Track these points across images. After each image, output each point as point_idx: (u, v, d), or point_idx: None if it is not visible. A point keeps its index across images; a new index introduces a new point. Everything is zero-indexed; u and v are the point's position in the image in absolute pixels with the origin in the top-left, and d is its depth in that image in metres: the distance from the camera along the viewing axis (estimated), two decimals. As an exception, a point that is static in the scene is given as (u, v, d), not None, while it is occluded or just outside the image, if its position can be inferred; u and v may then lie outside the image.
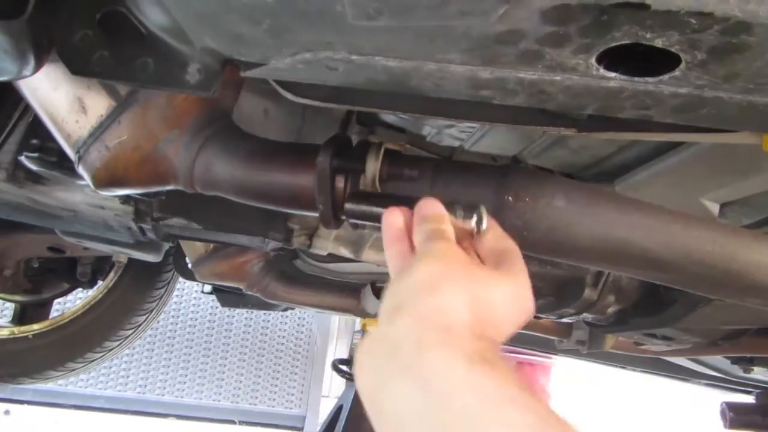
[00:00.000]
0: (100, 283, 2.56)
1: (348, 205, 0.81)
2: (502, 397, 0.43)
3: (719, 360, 2.08)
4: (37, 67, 0.70)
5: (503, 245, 0.65)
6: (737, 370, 2.06)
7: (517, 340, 2.56)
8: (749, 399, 2.49)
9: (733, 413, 2.26)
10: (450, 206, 0.66)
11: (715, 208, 1.07)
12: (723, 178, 1.00)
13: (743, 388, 2.55)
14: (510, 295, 0.56)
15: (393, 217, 0.68)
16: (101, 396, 4.40)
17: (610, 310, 1.55)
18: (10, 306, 2.72)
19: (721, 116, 0.64)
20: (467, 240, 0.66)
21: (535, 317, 1.79)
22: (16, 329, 2.41)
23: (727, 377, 2.32)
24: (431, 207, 0.66)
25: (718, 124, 0.67)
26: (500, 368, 0.46)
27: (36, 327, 2.42)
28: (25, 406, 4.19)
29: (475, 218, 0.66)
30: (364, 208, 0.79)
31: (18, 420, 4.06)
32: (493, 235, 0.66)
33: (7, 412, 4.07)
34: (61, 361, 2.44)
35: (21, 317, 2.62)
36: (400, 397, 0.46)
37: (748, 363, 1.96)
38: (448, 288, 0.53)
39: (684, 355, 1.94)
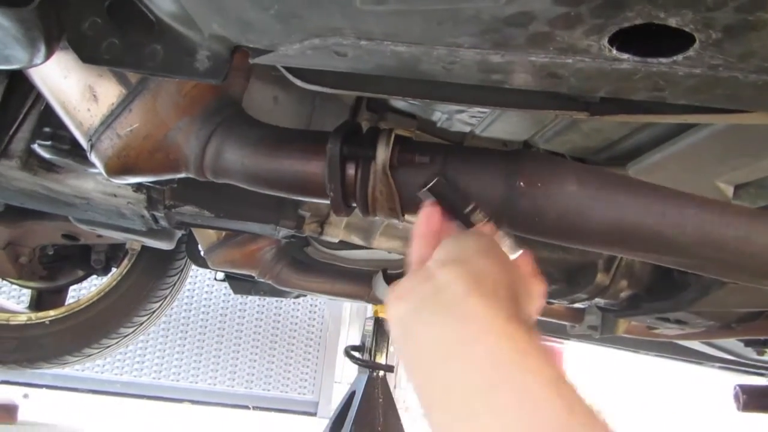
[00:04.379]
0: (114, 270, 2.59)
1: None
2: (530, 350, 0.47)
3: (733, 343, 2.07)
4: (48, 55, 0.71)
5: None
6: (750, 353, 2.06)
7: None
8: (763, 381, 2.48)
9: (747, 396, 2.25)
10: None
11: (729, 190, 1.05)
12: (737, 159, 0.98)
13: (757, 371, 2.54)
14: (538, 293, 0.66)
15: (432, 214, 0.76)
16: (117, 381, 4.47)
17: (623, 294, 1.55)
18: (27, 292, 2.76)
19: (736, 96, 0.63)
20: None
21: (548, 302, 1.79)
22: (33, 315, 2.45)
23: (740, 360, 2.31)
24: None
25: (732, 104, 0.66)
26: (532, 333, 0.50)
27: (53, 313, 2.45)
28: (44, 390, 4.27)
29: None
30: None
31: (36, 403, 4.14)
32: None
33: (26, 396, 4.15)
34: (78, 346, 2.48)
35: (38, 303, 2.67)
36: (436, 328, 0.51)
37: (762, 345, 1.95)
38: (497, 261, 0.61)
39: (697, 338, 1.94)
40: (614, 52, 0.56)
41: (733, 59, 0.54)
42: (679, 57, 0.55)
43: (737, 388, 2.28)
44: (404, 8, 0.54)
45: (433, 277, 0.57)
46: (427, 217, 0.75)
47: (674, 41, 0.53)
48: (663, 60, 0.56)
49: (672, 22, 0.49)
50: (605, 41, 0.54)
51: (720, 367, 2.62)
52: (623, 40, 0.54)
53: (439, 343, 0.50)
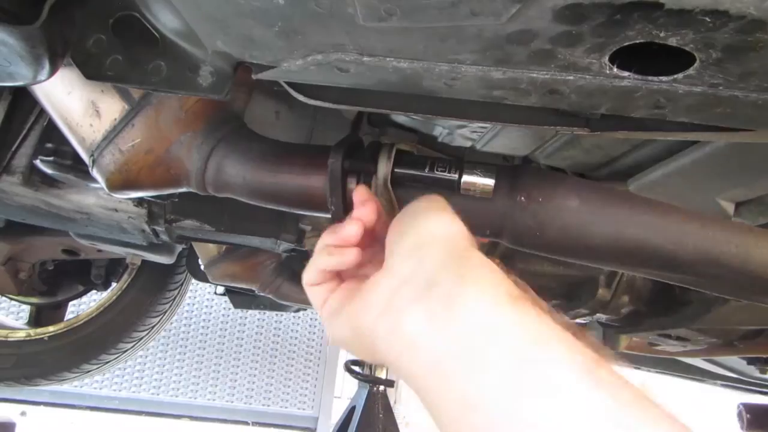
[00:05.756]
0: (114, 285, 2.58)
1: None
2: (549, 335, 0.42)
3: (735, 361, 2.05)
4: (52, 72, 0.71)
5: None
6: (753, 371, 2.04)
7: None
8: (766, 400, 2.46)
9: (751, 415, 2.23)
10: None
11: (730, 208, 1.05)
12: (739, 176, 0.98)
13: (759, 389, 2.52)
14: None
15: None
16: (116, 397, 4.44)
17: (624, 310, 1.54)
18: (26, 308, 2.75)
19: (737, 115, 0.63)
20: None
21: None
22: (32, 331, 2.44)
23: (743, 378, 2.30)
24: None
25: (733, 122, 0.66)
26: (538, 307, 0.46)
27: (51, 329, 2.44)
28: (41, 407, 4.23)
29: None
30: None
31: (34, 421, 4.10)
32: None
33: (23, 413, 4.12)
34: (77, 362, 2.46)
35: (36, 319, 2.65)
36: (443, 332, 0.45)
37: (764, 363, 1.94)
38: (462, 227, 0.53)
39: (699, 355, 1.92)
40: (615, 70, 0.56)
41: (734, 78, 0.54)
42: (680, 75, 0.55)
43: (741, 406, 2.26)
44: (407, 25, 0.55)
45: (415, 272, 0.49)
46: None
47: (675, 60, 0.53)
48: (663, 78, 0.56)
49: (672, 41, 0.50)
50: (606, 59, 0.55)
51: (722, 385, 2.60)
52: (624, 58, 0.55)
53: (456, 354, 0.43)
